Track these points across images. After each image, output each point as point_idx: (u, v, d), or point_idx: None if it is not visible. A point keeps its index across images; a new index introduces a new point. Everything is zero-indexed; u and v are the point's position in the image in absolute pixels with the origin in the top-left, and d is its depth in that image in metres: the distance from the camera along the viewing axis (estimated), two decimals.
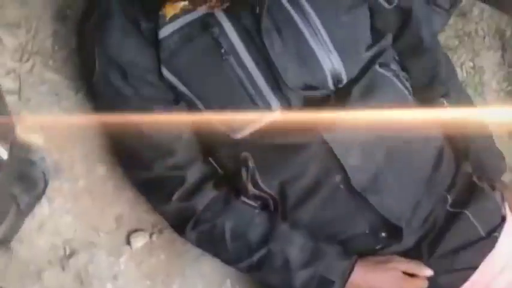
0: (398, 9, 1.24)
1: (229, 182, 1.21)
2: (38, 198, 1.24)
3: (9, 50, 1.26)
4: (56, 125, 1.28)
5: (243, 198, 1.19)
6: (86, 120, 1.30)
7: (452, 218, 1.24)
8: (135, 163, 1.21)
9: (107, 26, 1.13)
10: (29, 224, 1.24)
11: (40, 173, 1.23)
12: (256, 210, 1.20)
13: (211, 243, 1.21)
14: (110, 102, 1.16)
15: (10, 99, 1.25)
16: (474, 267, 1.22)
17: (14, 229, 1.20)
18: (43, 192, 1.24)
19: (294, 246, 1.19)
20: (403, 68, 1.28)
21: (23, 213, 1.21)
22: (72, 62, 1.30)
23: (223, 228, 1.18)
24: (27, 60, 1.27)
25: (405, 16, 1.25)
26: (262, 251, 1.18)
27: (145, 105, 1.14)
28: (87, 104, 1.30)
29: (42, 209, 1.26)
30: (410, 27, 1.26)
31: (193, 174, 1.18)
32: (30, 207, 1.23)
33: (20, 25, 1.27)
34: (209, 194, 1.19)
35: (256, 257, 1.18)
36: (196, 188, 1.18)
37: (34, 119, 1.27)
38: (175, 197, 1.17)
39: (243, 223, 1.19)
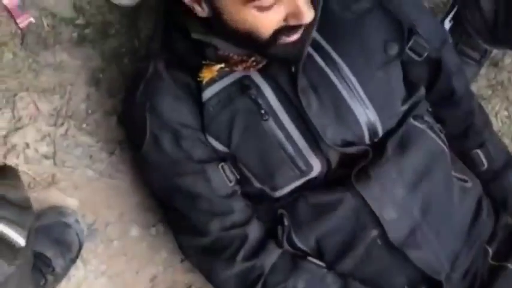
0: (429, 61, 1.24)
1: None
2: (73, 261, 1.24)
3: (45, 115, 1.29)
4: (90, 188, 1.29)
5: (309, 258, 1.16)
6: (120, 182, 1.31)
7: (495, 272, 1.21)
8: (190, 230, 1.17)
9: (158, 91, 1.13)
10: (65, 286, 1.25)
11: (74, 235, 1.24)
12: (325, 270, 1.16)
13: None
14: (161, 169, 1.14)
15: (45, 163, 1.27)
16: None
17: None
18: (78, 254, 1.25)
19: None
20: (438, 120, 1.27)
21: (58, 277, 1.21)
22: (105, 125, 1.32)
23: None
24: (62, 124, 1.30)
25: (436, 67, 1.25)
26: None
27: (197, 168, 1.12)
28: (120, 166, 1.31)
29: (78, 271, 1.27)
30: (441, 78, 1.26)
31: (254, 231, 1.15)
32: (65, 270, 1.24)
33: (55, 90, 1.30)
34: (275, 251, 1.15)
35: None
36: (261, 246, 1.15)
37: (68, 181, 1.28)
38: (239, 257, 1.13)
39: (315, 283, 1.15)
